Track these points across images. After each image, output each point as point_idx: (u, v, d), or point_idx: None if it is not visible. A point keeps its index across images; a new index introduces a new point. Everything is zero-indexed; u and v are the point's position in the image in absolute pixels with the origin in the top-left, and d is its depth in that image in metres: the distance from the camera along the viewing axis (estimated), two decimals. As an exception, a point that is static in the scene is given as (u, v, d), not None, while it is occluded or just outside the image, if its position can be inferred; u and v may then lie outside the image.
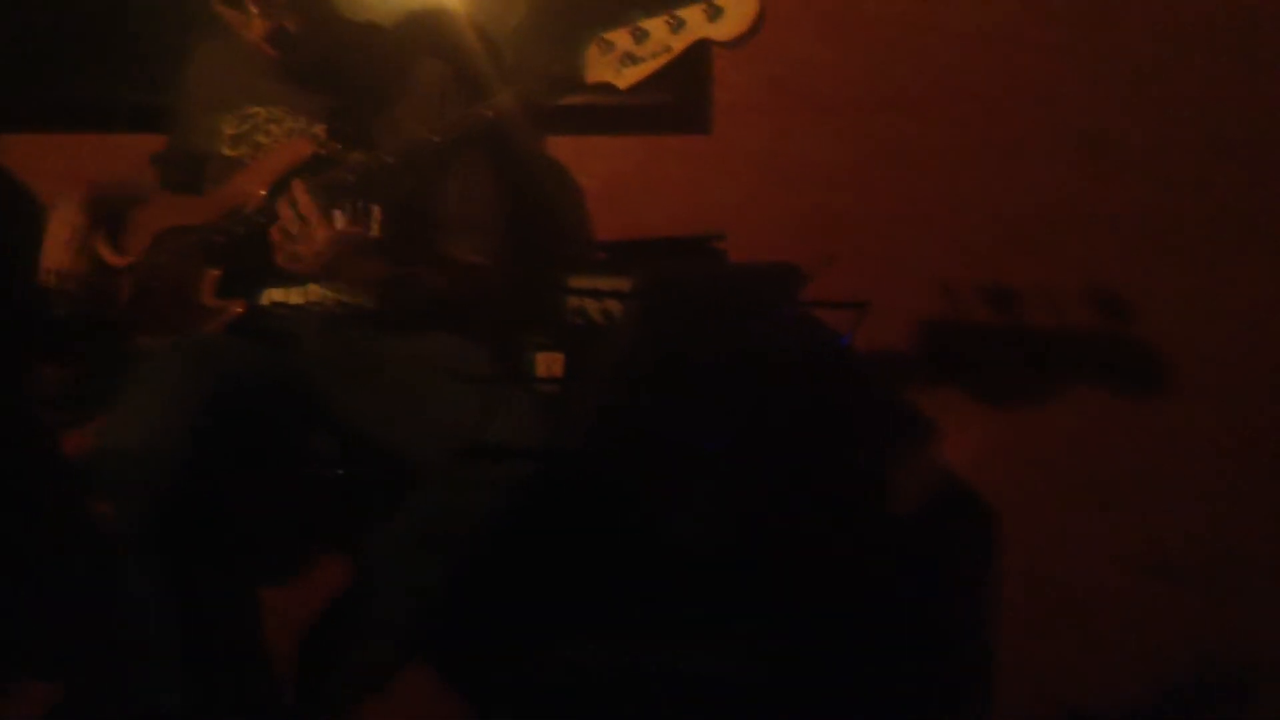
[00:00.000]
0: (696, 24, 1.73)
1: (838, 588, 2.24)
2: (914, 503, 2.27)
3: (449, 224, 2.00)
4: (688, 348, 1.61)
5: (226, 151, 1.99)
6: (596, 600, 1.81)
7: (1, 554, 2.32)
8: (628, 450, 1.65)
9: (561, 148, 2.34)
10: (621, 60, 1.76)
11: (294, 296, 1.95)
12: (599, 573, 1.76)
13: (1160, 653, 2.30)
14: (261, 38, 1.86)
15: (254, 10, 1.84)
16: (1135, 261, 2.32)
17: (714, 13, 1.73)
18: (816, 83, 2.33)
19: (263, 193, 1.90)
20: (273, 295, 1.95)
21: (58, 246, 1.93)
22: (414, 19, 2.28)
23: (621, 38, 1.76)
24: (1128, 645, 2.34)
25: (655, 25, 1.75)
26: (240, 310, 1.91)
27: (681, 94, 2.30)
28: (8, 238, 2.32)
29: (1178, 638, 2.30)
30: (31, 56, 2.35)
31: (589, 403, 1.55)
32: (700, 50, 1.75)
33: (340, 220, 1.87)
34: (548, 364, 1.96)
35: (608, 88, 1.77)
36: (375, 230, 1.94)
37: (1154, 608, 2.34)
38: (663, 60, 1.75)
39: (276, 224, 1.83)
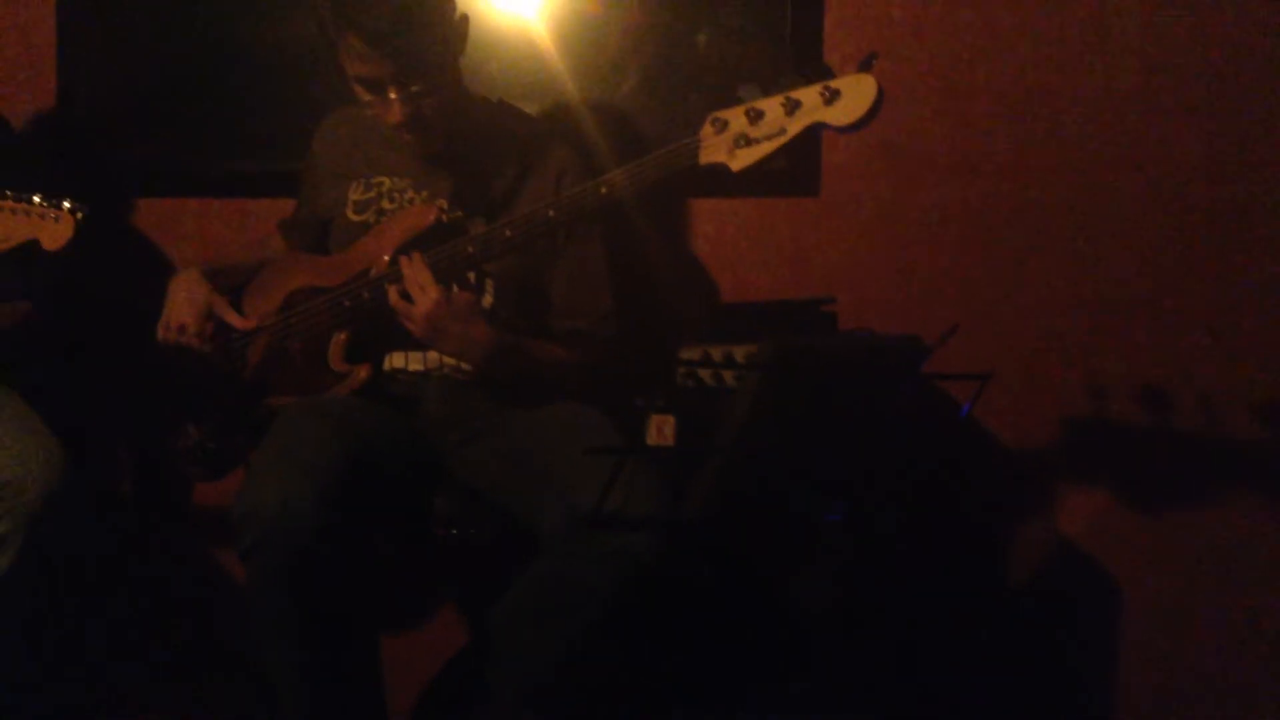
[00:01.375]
0: (813, 106, 1.70)
1: (956, 655, 2.23)
2: (1032, 571, 2.24)
3: (559, 298, 2.05)
4: (808, 418, 1.61)
5: (352, 217, 2.05)
6: (715, 669, 1.82)
7: (141, 605, 2.42)
8: (748, 520, 1.65)
9: (670, 209, 2.38)
10: (735, 141, 1.74)
11: (415, 361, 2.00)
12: (720, 640, 1.77)
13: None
14: (400, 122, 1.92)
15: (394, 96, 1.89)
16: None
17: (831, 96, 1.70)
18: (927, 147, 2.33)
19: (387, 257, 1.95)
20: (395, 360, 2.01)
21: (178, 308, 2.01)
22: (544, 105, 2.33)
23: (736, 117, 1.74)
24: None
25: (770, 106, 1.73)
26: (367, 374, 1.96)
27: (791, 157, 2.28)
28: (143, 299, 2.45)
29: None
30: (164, 126, 2.45)
31: (710, 472, 1.56)
32: (825, 130, 1.71)
33: (455, 287, 1.91)
34: (659, 426, 1.98)
35: (719, 168, 1.75)
36: (488, 300, 1.99)
37: (1274, 690, 2.28)
38: (777, 143, 1.73)
39: (396, 285, 1.88)
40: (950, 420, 2.05)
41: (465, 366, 1.98)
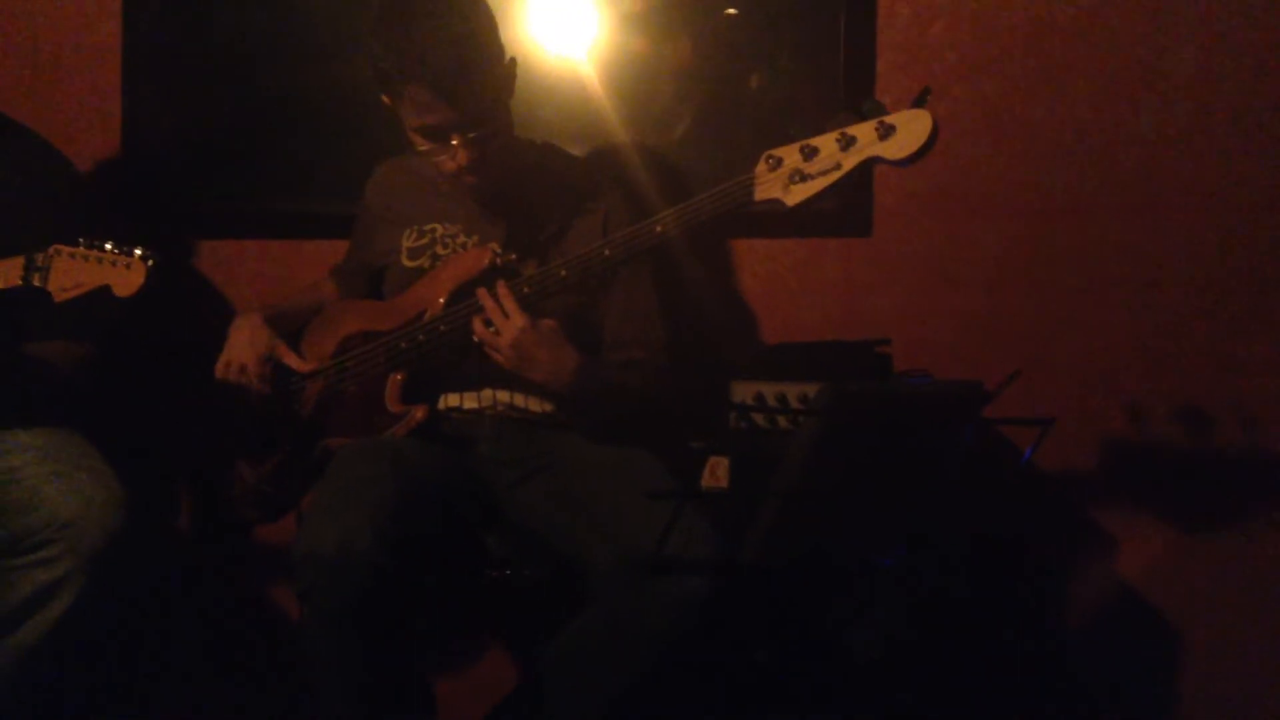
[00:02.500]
0: (867, 142, 1.70)
1: (1015, 701, 2.19)
2: (1090, 616, 2.21)
3: (612, 331, 2.05)
4: (867, 463, 1.59)
5: (406, 263, 2.07)
6: (766, 714, 1.80)
7: (200, 642, 2.44)
8: (805, 565, 1.64)
9: (722, 250, 2.38)
10: (790, 177, 1.74)
11: (470, 400, 2.01)
12: (772, 686, 1.75)
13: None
14: (464, 166, 1.94)
15: (456, 142, 1.91)
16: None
17: (886, 131, 1.69)
18: (980, 187, 2.33)
19: (442, 300, 1.96)
20: (449, 400, 2.02)
21: (239, 349, 2.03)
22: (592, 148, 2.35)
23: (790, 154, 1.74)
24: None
25: (825, 142, 1.73)
26: (423, 415, 1.97)
27: (843, 197, 2.27)
28: (203, 339, 2.49)
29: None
30: (223, 170, 2.49)
31: (767, 516, 1.55)
32: (872, 164, 1.71)
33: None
34: (713, 468, 1.97)
35: (775, 204, 1.75)
36: None
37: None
38: (832, 178, 1.73)
39: (480, 314, 1.88)
40: (1010, 465, 2.03)
41: (518, 403, 1.99)
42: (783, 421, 1.97)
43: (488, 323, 1.87)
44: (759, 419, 1.98)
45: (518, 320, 1.85)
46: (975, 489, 1.72)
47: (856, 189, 2.33)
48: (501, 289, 1.86)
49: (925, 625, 2.00)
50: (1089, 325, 2.31)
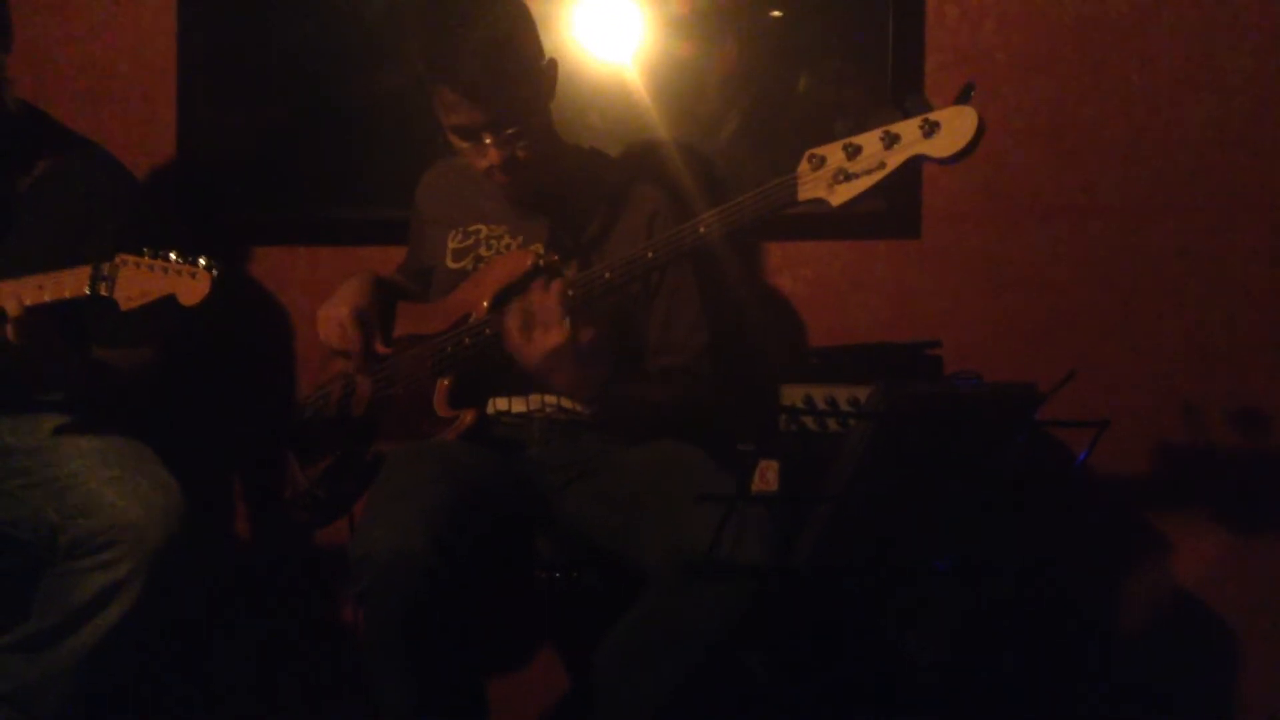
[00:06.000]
0: (912, 140, 1.67)
1: (1069, 705, 2.17)
2: (1145, 620, 2.18)
3: (655, 336, 2.05)
4: (919, 466, 1.58)
5: (450, 265, 2.09)
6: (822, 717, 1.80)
7: (258, 645, 2.47)
8: (858, 568, 1.63)
9: (770, 252, 2.39)
10: (834, 176, 1.71)
11: (519, 404, 2.02)
12: (826, 689, 1.75)
13: None
14: (495, 166, 1.96)
15: (488, 141, 1.93)
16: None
17: (930, 128, 1.66)
18: (1031, 188, 2.31)
19: (486, 304, 1.97)
20: (498, 403, 2.03)
21: (342, 302, 2.03)
22: (630, 146, 2.36)
23: (834, 153, 1.71)
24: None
25: (868, 140, 1.69)
26: (473, 419, 1.98)
27: (892, 199, 2.31)
28: (258, 345, 2.53)
29: None
30: (276, 177, 2.53)
31: (820, 519, 1.54)
32: (926, 163, 1.68)
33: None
34: (763, 472, 1.97)
35: (819, 204, 1.72)
36: None
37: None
38: (877, 177, 1.69)
39: (505, 320, 1.87)
40: (1064, 467, 2.01)
41: (566, 405, 2.00)
42: (833, 424, 1.96)
43: (525, 325, 1.85)
44: (809, 422, 1.97)
45: (556, 330, 1.82)
46: (1029, 492, 1.70)
47: (905, 191, 2.32)
48: (551, 297, 1.84)
49: (978, 629, 1.99)
50: (1142, 327, 2.29)
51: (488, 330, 1.94)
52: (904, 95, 1.70)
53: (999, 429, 1.62)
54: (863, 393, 1.93)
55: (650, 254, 1.85)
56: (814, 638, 1.81)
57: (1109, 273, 2.29)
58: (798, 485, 1.91)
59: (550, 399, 2.01)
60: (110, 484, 1.93)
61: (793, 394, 2.01)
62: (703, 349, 2.07)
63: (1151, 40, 2.27)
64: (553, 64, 1.99)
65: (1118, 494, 2.28)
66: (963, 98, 1.66)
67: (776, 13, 2.35)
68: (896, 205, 2.32)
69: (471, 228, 2.10)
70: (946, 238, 2.34)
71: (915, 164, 1.68)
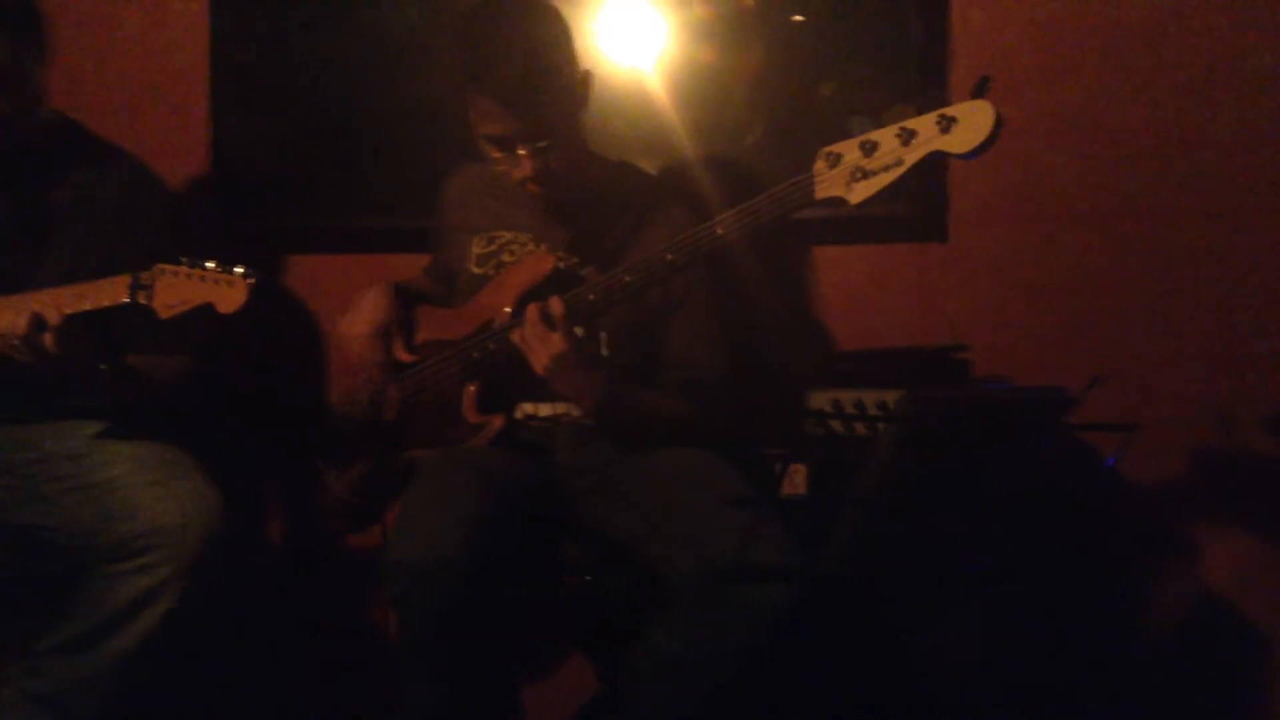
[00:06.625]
0: (928, 136, 1.65)
1: (1098, 709, 2.16)
2: (1176, 623, 2.17)
3: (673, 348, 2.05)
4: (947, 470, 1.59)
5: (474, 270, 2.11)
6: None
7: (293, 650, 2.50)
8: (886, 573, 1.64)
9: (795, 257, 2.39)
10: (851, 174, 1.69)
11: (544, 409, 2.04)
12: (855, 694, 1.75)
13: None
14: (528, 177, 1.97)
15: (522, 152, 1.95)
16: None
17: (947, 123, 1.64)
18: (1059, 191, 2.30)
19: (509, 309, 1.99)
20: (525, 408, 2.05)
21: (361, 319, 2.07)
22: (667, 166, 2.36)
23: (850, 150, 1.70)
24: None
25: (884, 137, 1.68)
26: (500, 425, 2.00)
27: (918, 202, 2.31)
28: (288, 352, 2.55)
29: None
30: (307, 186, 2.55)
31: (848, 523, 1.55)
32: (944, 159, 1.67)
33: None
34: (790, 476, 1.97)
35: (837, 202, 1.71)
36: (604, 350, 2.02)
37: None
38: (894, 174, 1.68)
39: (519, 327, 1.89)
40: (1094, 471, 2.00)
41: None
42: (860, 428, 1.96)
43: (533, 332, 1.85)
44: (836, 426, 1.98)
45: (557, 337, 1.84)
46: (1058, 496, 1.70)
47: (932, 194, 2.31)
48: (556, 305, 1.86)
49: (1007, 634, 1.99)
50: (1172, 330, 2.27)
51: (511, 335, 1.94)
52: (933, 102, 1.69)
53: (1028, 433, 1.62)
54: (890, 397, 1.94)
55: (669, 256, 1.84)
56: (841, 642, 1.82)
57: (1138, 275, 2.28)
58: (826, 489, 1.92)
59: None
60: (149, 488, 1.96)
61: (820, 398, 2.02)
62: (721, 366, 2.07)
63: (1178, 42, 2.26)
64: (588, 75, 2.00)
65: (1148, 498, 2.27)
66: (978, 92, 1.65)
67: (798, 17, 2.35)
68: (923, 209, 2.31)
69: (496, 233, 2.12)
70: (974, 241, 2.33)
71: (933, 160, 1.67)
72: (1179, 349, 2.27)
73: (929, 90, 2.28)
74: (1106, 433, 1.55)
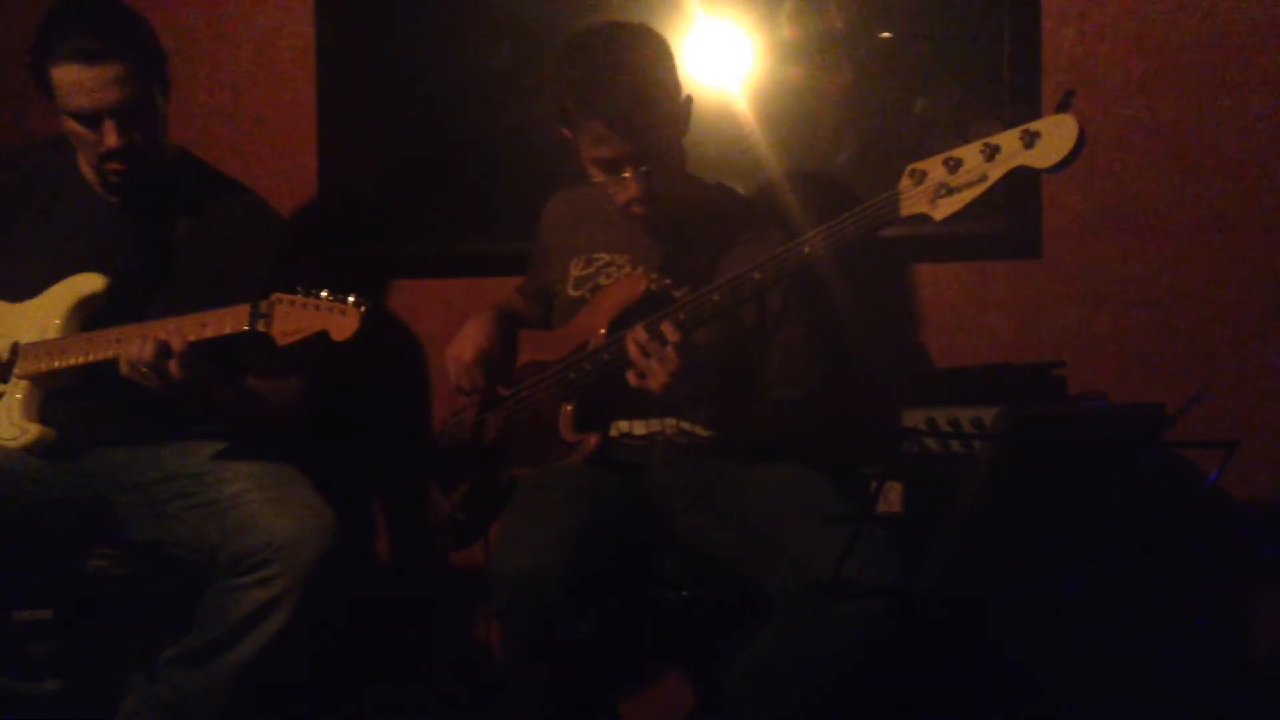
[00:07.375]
0: (1012, 151, 1.65)
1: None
2: (1275, 649, 2.12)
3: (770, 368, 2.07)
4: (1047, 488, 1.59)
5: (571, 292, 2.15)
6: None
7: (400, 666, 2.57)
8: (985, 590, 1.64)
9: (888, 274, 2.39)
10: (936, 191, 1.70)
11: (639, 427, 2.08)
12: (952, 711, 1.76)
13: None
14: (634, 199, 2.01)
15: (629, 175, 1.99)
16: None
17: (1030, 139, 1.65)
18: (1151, 204, 2.28)
19: (604, 330, 2.03)
20: (621, 426, 2.08)
21: (467, 346, 2.11)
22: (763, 188, 2.39)
23: (934, 167, 1.71)
24: None
25: (969, 153, 1.68)
26: (596, 443, 2.03)
27: (1011, 219, 2.30)
28: (394, 375, 2.64)
29: None
30: (410, 211, 2.63)
31: (946, 540, 1.56)
32: (1029, 174, 1.67)
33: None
34: (885, 494, 1.98)
35: (922, 219, 1.71)
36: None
37: None
38: (979, 190, 1.68)
39: (636, 341, 1.89)
40: (1195, 489, 1.98)
41: (687, 427, 2.04)
42: (955, 446, 1.97)
43: (646, 354, 1.88)
44: (931, 444, 1.99)
45: (674, 353, 1.85)
46: (1158, 514, 1.68)
47: (1025, 211, 2.31)
48: (669, 328, 1.88)
49: (1107, 653, 1.97)
50: (1271, 344, 2.23)
51: (606, 356, 1.98)
52: (1003, 106, 1.69)
53: (1126, 450, 1.62)
54: (986, 414, 1.94)
55: (757, 274, 1.86)
56: (940, 659, 1.83)
57: (1235, 290, 2.25)
58: (921, 507, 1.93)
59: (671, 421, 2.06)
60: (267, 505, 2.03)
61: (915, 416, 2.02)
62: (816, 386, 2.07)
63: (1273, 54, 2.22)
64: (689, 100, 2.04)
65: (1248, 515, 2.23)
66: (1062, 106, 1.66)
67: (885, 34, 2.36)
68: (1016, 225, 2.31)
69: (594, 255, 2.15)
70: (1068, 257, 2.32)
71: (1018, 175, 1.67)
72: (1277, 363, 2.23)
73: (1020, 105, 2.26)
74: (1206, 450, 1.53)
